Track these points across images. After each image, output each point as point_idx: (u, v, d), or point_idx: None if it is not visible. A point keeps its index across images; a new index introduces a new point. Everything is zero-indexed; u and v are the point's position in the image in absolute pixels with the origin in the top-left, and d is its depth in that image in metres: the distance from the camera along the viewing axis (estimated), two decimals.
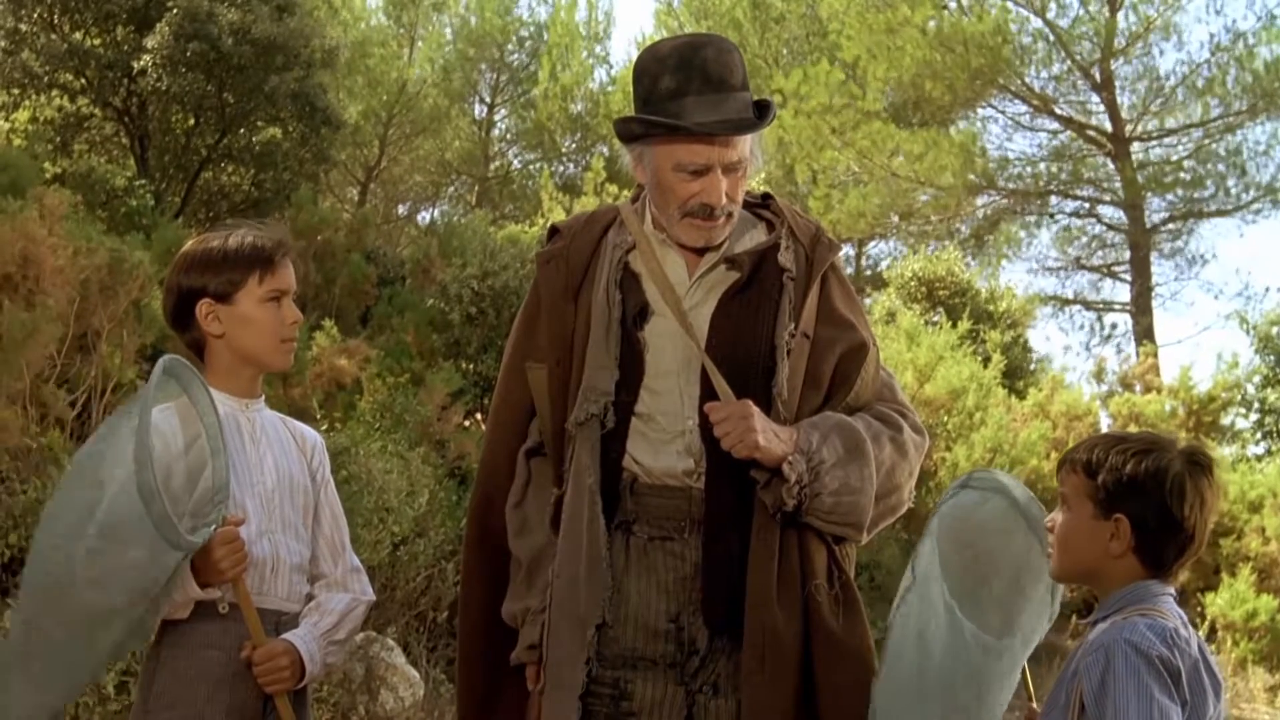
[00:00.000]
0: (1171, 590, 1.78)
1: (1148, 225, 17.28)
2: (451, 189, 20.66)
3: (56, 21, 9.59)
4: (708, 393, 2.00)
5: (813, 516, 1.96)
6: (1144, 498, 1.74)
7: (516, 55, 20.30)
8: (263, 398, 2.15)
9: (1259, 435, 14.04)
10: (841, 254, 2.15)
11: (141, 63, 9.20)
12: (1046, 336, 38.22)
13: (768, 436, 1.92)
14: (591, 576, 2.00)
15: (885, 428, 2.04)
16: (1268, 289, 25.48)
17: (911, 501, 2.10)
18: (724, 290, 2.07)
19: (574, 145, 19.80)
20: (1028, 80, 16.87)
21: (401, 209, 20.08)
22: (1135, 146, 17.14)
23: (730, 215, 2.05)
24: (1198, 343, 28.84)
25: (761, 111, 2.02)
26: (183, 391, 1.91)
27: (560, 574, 2.05)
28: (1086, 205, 18.05)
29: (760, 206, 2.20)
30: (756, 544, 1.96)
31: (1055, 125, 17.61)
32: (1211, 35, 18.71)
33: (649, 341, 2.07)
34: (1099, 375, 13.82)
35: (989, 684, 1.89)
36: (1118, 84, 16.86)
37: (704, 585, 1.99)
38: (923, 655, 1.86)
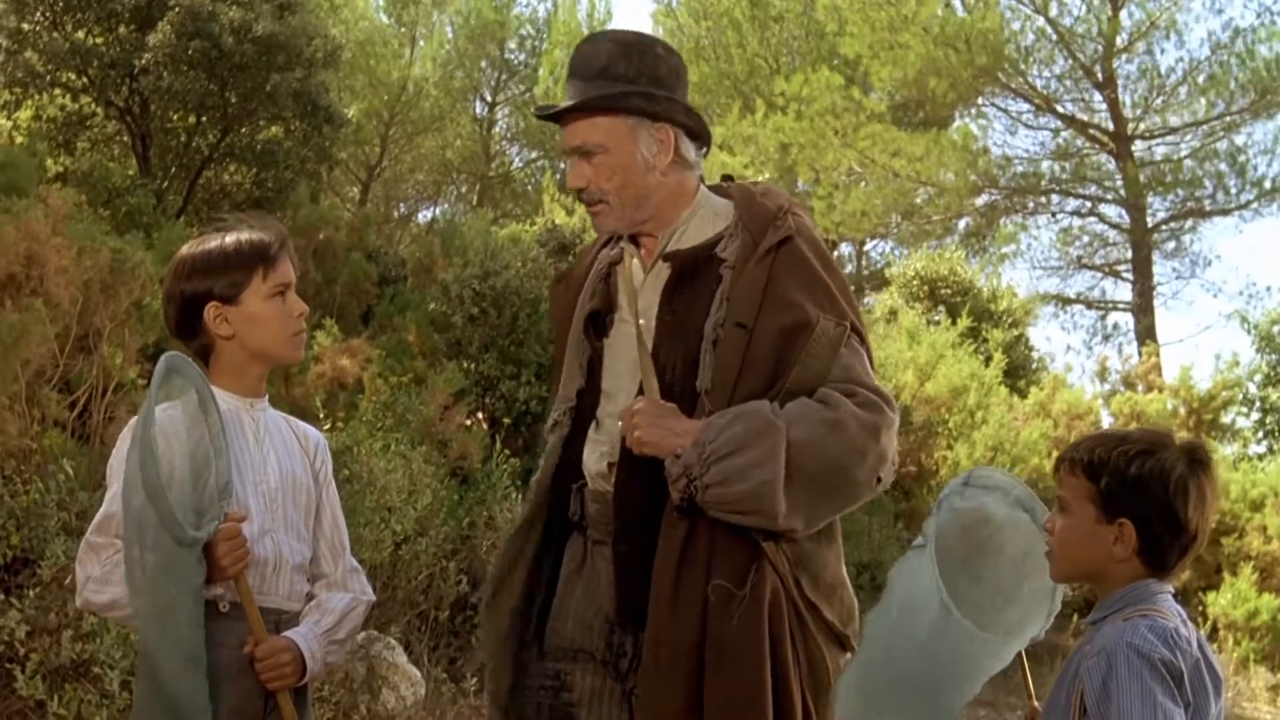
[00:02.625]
0: (1170, 588, 1.77)
1: (1149, 224, 17.27)
2: (453, 188, 20.67)
3: (59, 20, 9.59)
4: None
5: (711, 510, 1.91)
6: (1148, 501, 1.72)
7: (517, 53, 20.30)
8: (266, 397, 2.16)
9: (1260, 434, 14.05)
10: (796, 232, 2.06)
11: (143, 61, 9.20)
12: (1048, 336, 38.23)
13: (657, 432, 1.92)
14: (521, 575, 2.12)
15: (822, 409, 1.93)
16: (1269, 288, 25.49)
17: (882, 486, 2.01)
18: (662, 289, 2.09)
19: None
20: (1030, 78, 16.87)
21: (403, 208, 20.09)
22: (1137, 145, 17.13)
23: (606, 202, 2.05)
24: (1198, 342, 28.89)
25: (609, 96, 2.00)
26: (188, 389, 1.92)
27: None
28: (1088, 204, 18.06)
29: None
30: (663, 543, 1.95)
31: (1057, 124, 17.61)
32: (1211, 33, 18.71)
33: (611, 347, 2.11)
34: (1102, 374, 13.83)
35: (966, 670, 1.89)
36: (1120, 82, 16.86)
37: (615, 587, 2.03)
38: (907, 628, 1.87)
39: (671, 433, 1.92)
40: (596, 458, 2.08)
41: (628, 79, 2.02)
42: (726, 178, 2.27)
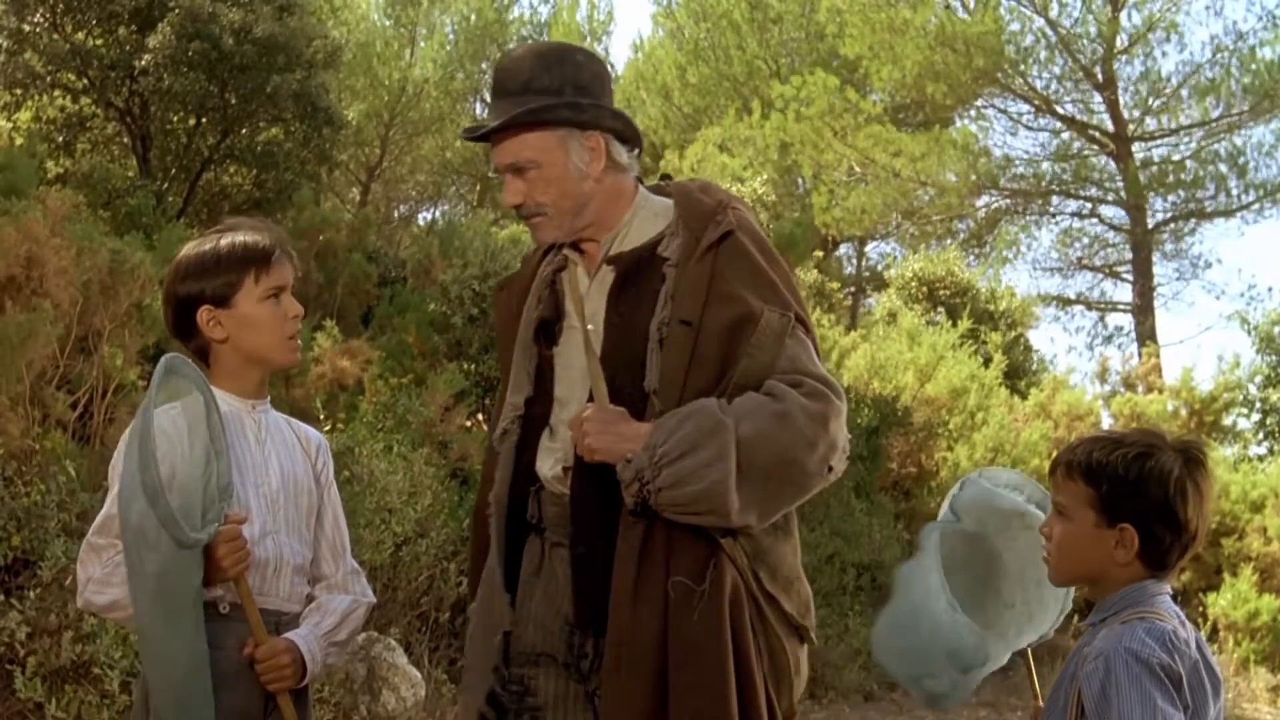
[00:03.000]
0: (1168, 589, 1.77)
1: (1150, 225, 17.28)
2: (453, 189, 20.67)
3: (59, 22, 9.60)
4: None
5: (665, 512, 1.91)
6: (1148, 505, 1.71)
7: None
8: (268, 399, 2.16)
9: (1260, 435, 14.05)
10: (737, 226, 2.06)
11: (144, 63, 9.21)
12: (1050, 338, 38.28)
13: (606, 438, 1.93)
14: (497, 587, 2.11)
15: (770, 402, 1.94)
16: (1270, 289, 25.51)
17: (834, 475, 2.02)
18: (608, 292, 2.09)
19: None
20: (1030, 80, 16.87)
21: (403, 209, 20.09)
22: (1137, 146, 17.13)
23: (544, 214, 2.06)
24: (1199, 343, 28.90)
25: (534, 111, 2.00)
26: (188, 390, 1.92)
27: (484, 583, 2.17)
28: (1088, 205, 18.06)
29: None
30: (621, 544, 1.96)
31: (1057, 125, 17.61)
32: (1213, 35, 18.72)
33: (561, 354, 2.12)
34: (1102, 375, 13.84)
35: (968, 660, 1.91)
36: (1120, 83, 16.85)
37: (573, 589, 2.04)
38: (920, 614, 1.90)
39: (621, 438, 1.93)
40: (551, 464, 2.09)
41: (552, 91, 2.02)
42: (665, 177, 2.27)
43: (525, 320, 2.17)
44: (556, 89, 2.02)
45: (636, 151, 2.13)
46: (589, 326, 2.08)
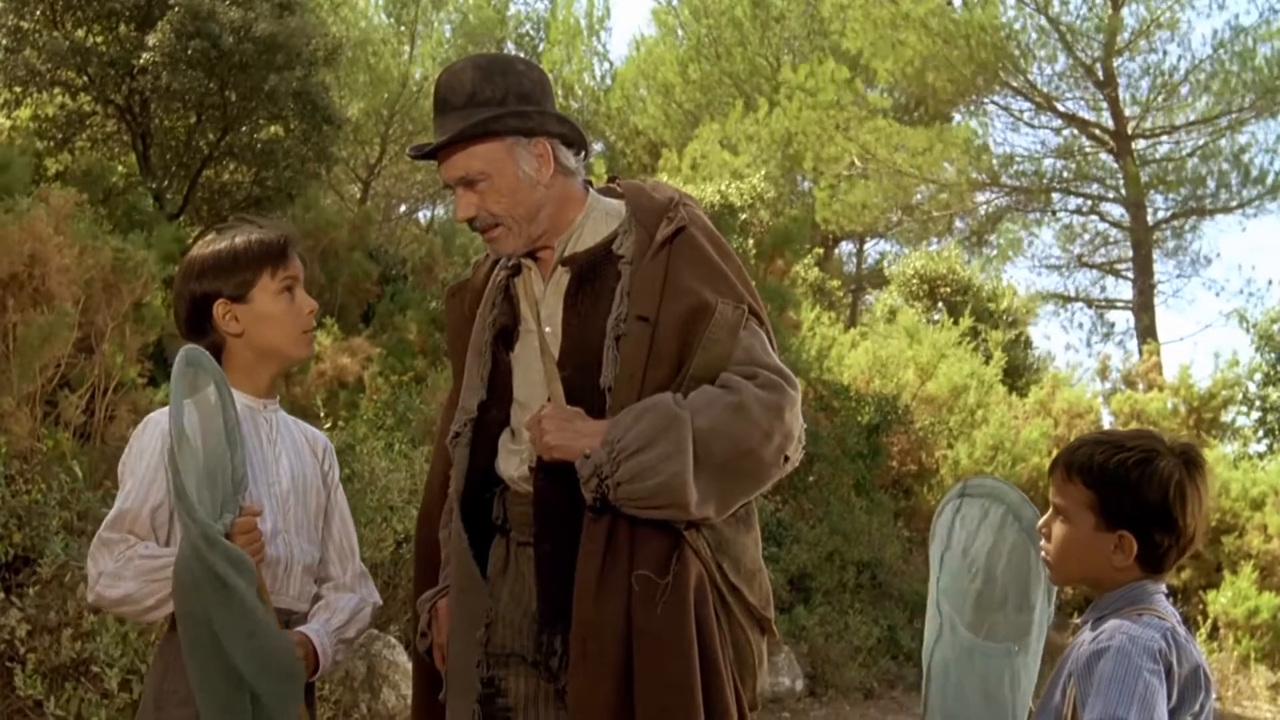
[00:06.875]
0: (1164, 587, 1.78)
1: (1150, 223, 17.27)
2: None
3: (58, 19, 9.60)
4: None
5: (624, 506, 1.93)
6: (1147, 510, 1.72)
7: (516, 52, 20.31)
8: (277, 399, 2.17)
9: (1260, 433, 14.05)
10: (689, 222, 2.09)
11: (143, 61, 9.21)
12: (1047, 335, 38.26)
13: (564, 435, 1.95)
14: (470, 583, 2.12)
15: (725, 394, 1.97)
16: (1270, 281, 25.48)
17: (790, 464, 2.03)
18: (564, 293, 2.11)
19: None
20: (1031, 77, 16.87)
21: (403, 207, 20.09)
22: (1139, 143, 17.13)
23: (500, 225, 2.07)
24: (1199, 340, 28.91)
25: (482, 123, 2.00)
26: (206, 382, 1.93)
27: (454, 582, 2.17)
28: (1089, 202, 18.06)
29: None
30: (585, 539, 1.97)
31: (1059, 122, 17.61)
32: (1214, 31, 18.71)
33: (519, 358, 2.13)
34: (1102, 373, 13.84)
35: (1004, 682, 1.91)
36: (1121, 81, 16.85)
37: (538, 585, 2.05)
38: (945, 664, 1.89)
39: (579, 435, 1.95)
40: (515, 464, 2.10)
41: (496, 102, 2.02)
42: (614, 178, 2.29)
43: (479, 325, 2.19)
44: (500, 99, 2.03)
45: (583, 155, 2.15)
46: (546, 329, 2.10)
